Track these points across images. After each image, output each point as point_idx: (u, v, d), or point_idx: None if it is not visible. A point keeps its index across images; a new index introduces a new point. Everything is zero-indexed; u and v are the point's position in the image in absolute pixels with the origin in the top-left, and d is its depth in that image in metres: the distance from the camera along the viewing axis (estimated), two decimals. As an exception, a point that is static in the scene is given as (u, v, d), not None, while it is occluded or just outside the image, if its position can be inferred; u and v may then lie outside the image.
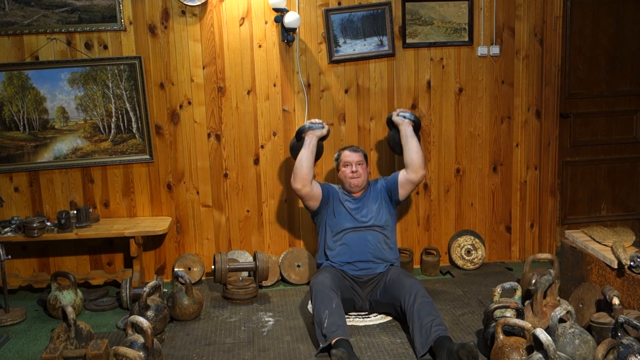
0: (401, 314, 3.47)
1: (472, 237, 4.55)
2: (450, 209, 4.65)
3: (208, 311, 3.93)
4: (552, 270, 3.39)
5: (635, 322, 2.68)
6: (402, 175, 3.88)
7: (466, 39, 4.46)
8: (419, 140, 3.96)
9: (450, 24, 4.43)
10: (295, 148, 3.96)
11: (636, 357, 2.60)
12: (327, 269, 3.71)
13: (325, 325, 3.22)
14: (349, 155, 3.91)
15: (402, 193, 3.89)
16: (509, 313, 3.14)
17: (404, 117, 3.91)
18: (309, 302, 3.90)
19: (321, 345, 3.21)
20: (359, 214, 3.82)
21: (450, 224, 4.67)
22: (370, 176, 4.17)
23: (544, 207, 4.69)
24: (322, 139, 3.96)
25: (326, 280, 3.50)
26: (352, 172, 3.86)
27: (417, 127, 3.93)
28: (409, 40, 4.41)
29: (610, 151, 4.91)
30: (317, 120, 3.92)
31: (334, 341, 3.14)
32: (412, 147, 3.83)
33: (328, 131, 3.96)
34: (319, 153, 3.98)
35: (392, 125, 4.02)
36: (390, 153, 4.48)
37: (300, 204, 4.48)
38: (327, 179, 4.43)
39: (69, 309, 3.03)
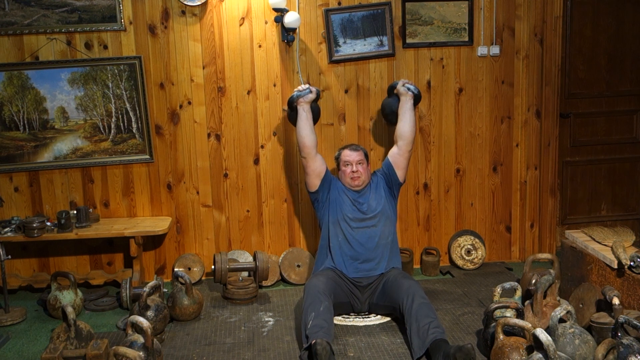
0: (400, 316, 3.46)
1: (472, 237, 4.55)
2: (450, 209, 4.65)
3: (208, 311, 3.93)
4: (552, 270, 3.39)
5: (635, 322, 2.68)
6: (392, 154, 3.92)
7: (466, 39, 4.46)
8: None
9: (450, 24, 4.43)
10: (291, 117, 4.04)
11: (636, 357, 2.61)
12: (324, 272, 3.69)
13: (309, 326, 3.21)
14: (349, 155, 3.88)
15: (400, 174, 3.93)
16: (509, 313, 3.14)
17: (408, 89, 3.96)
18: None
19: (304, 346, 3.19)
20: (361, 206, 3.81)
21: (450, 224, 4.67)
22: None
23: (544, 207, 4.69)
24: (315, 101, 4.00)
25: (319, 284, 3.48)
26: (353, 171, 3.84)
27: (417, 101, 4.00)
28: (409, 40, 4.41)
29: (610, 151, 4.91)
30: (302, 87, 3.94)
31: (314, 342, 3.08)
32: (409, 119, 3.91)
33: (318, 92, 3.99)
34: (317, 114, 4.05)
35: (392, 93, 4.07)
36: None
37: (301, 203, 4.48)
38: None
39: (69, 309, 3.03)
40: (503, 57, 4.52)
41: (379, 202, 3.84)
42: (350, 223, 3.78)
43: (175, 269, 4.23)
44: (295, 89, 3.96)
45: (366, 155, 3.96)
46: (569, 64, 4.74)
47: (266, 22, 4.30)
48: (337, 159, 3.97)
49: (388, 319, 3.68)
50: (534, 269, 3.85)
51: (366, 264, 3.73)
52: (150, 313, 3.40)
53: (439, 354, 3.02)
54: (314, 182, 3.88)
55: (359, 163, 3.85)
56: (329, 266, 3.77)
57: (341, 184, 3.90)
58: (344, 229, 3.78)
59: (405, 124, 3.91)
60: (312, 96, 3.93)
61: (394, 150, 3.94)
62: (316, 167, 3.86)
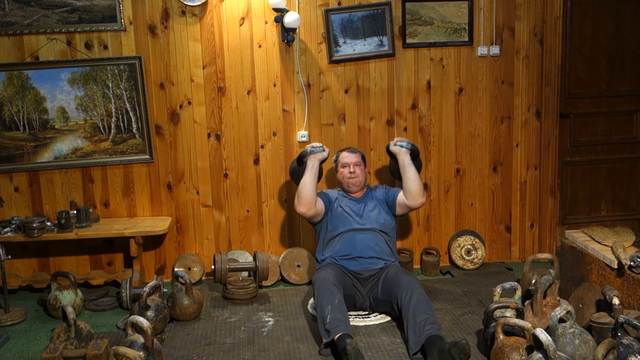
0: (398, 311, 3.47)
1: (472, 237, 4.55)
2: (450, 209, 4.65)
3: (208, 311, 3.93)
4: (552, 270, 3.39)
5: (635, 322, 2.68)
6: (401, 196, 3.91)
7: (466, 39, 4.46)
8: (420, 165, 4.01)
9: (450, 24, 4.43)
10: (296, 172, 3.99)
11: (636, 357, 2.60)
12: (330, 265, 3.74)
13: (328, 320, 3.24)
14: (346, 157, 3.98)
15: (398, 211, 3.94)
16: (509, 313, 3.14)
17: (401, 146, 3.92)
18: (309, 301, 3.92)
19: (324, 341, 3.22)
20: (359, 216, 3.84)
21: (450, 224, 4.67)
22: (369, 177, 4.18)
23: (544, 207, 4.69)
24: (321, 162, 3.98)
25: (329, 276, 3.52)
26: (350, 172, 3.92)
27: (415, 155, 3.94)
28: (409, 40, 4.41)
29: (610, 151, 4.91)
30: (317, 144, 3.95)
31: (337, 337, 3.14)
32: (410, 176, 3.85)
33: (328, 154, 3.99)
34: (319, 175, 3.98)
35: (391, 154, 4.02)
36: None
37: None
38: (326, 179, 4.43)
39: (69, 309, 3.03)
40: (503, 57, 4.52)
41: (378, 212, 3.89)
42: (348, 231, 3.83)
43: (175, 269, 4.23)
44: (309, 145, 3.97)
45: (363, 158, 4.03)
46: (569, 64, 4.74)
47: (266, 22, 4.31)
48: (336, 161, 4.05)
49: (388, 319, 3.68)
50: (534, 269, 3.85)
51: (365, 260, 3.76)
52: (150, 313, 3.40)
53: (434, 350, 3.03)
54: (317, 220, 3.93)
55: (357, 165, 3.94)
56: (330, 262, 3.82)
57: (339, 195, 3.95)
58: (342, 236, 3.83)
59: (408, 182, 3.85)
60: (324, 155, 3.94)
61: (402, 194, 3.90)
62: (318, 212, 3.87)
